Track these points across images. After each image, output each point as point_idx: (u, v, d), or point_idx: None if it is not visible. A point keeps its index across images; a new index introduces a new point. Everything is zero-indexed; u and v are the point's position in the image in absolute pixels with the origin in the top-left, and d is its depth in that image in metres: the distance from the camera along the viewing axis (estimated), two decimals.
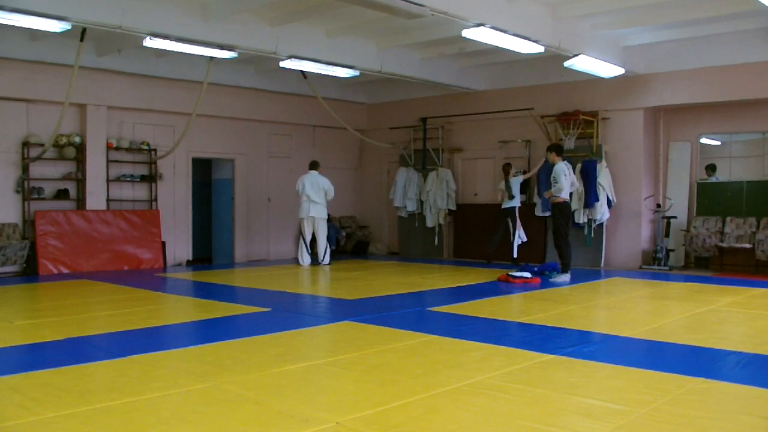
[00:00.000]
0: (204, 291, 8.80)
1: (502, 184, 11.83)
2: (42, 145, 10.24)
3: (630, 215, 11.58)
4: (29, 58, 10.17)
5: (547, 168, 11.34)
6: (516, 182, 11.78)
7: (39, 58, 10.20)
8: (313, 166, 11.78)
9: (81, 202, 11.12)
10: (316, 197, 11.42)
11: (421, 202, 13.56)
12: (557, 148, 9.59)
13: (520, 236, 11.79)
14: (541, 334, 5.68)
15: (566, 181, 9.31)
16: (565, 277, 9.34)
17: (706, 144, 11.72)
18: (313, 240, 11.75)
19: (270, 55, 9.94)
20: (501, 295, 8.11)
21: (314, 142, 14.35)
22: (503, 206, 11.83)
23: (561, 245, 9.45)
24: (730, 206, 11.17)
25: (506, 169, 11.89)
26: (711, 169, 11.50)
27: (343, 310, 7.13)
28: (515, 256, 11.80)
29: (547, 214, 9.45)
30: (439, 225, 13.41)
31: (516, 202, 11.78)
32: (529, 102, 12.30)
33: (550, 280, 9.36)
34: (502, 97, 12.88)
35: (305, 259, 11.66)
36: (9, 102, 10.37)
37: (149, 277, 10.10)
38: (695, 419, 3.43)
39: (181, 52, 9.69)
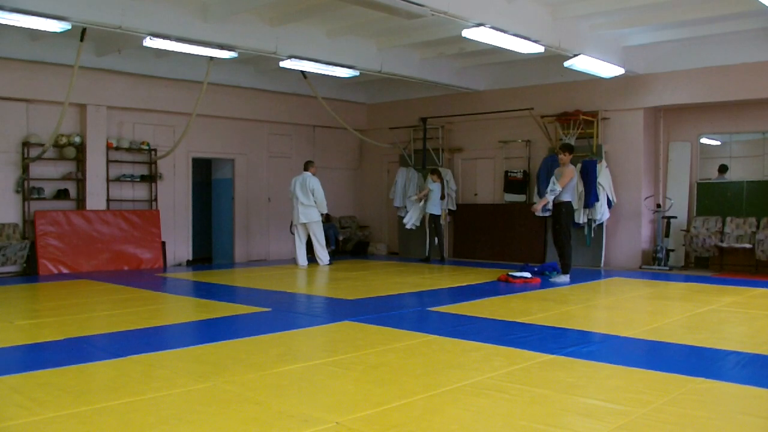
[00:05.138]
0: (204, 291, 8.80)
1: (437, 187, 12.74)
2: (42, 145, 10.24)
3: (630, 215, 11.58)
4: (29, 58, 10.17)
5: (548, 166, 11.36)
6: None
7: (39, 58, 10.21)
8: (305, 166, 11.68)
9: (81, 202, 11.12)
10: (305, 199, 11.35)
11: (425, 200, 13.53)
12: (570, 148, 9.45)
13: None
14: (541, 334, 5.68)
15: (571, 185, 9.27)
16: (565, 278, 9.32)
17: (706, 144, 11.72)
18: (310, 242, 11.72)
19: (270, 55, 9.94)
20: (501, 295, 8.11)
21: (314, 142, 14.35)
22: (433, 211, 12.81)
23: (564, 245, 9.38)
24: (730, 206, 11.16)
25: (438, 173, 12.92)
26: (722, 170, 11.47)
27: (343, 310, 7.13)
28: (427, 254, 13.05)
29: (547, 213, 9.39)
30: (440, 225, 13.41)
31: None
32: (529, 102, 12.30)
33: (550, 280, 9.36)
34: (502, 97, 12.89)
35: (302, 259, 11.64)
36: (9, 102, 10.37)
37: (149, 277, 10.10)
38: (695, 419, 3.43)
39: (181, 52, 9.69)
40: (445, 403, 3.71)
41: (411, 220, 13.31)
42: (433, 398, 3.80)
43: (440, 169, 13.31)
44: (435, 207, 12.78)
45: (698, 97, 10.95)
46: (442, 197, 12.91)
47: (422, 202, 12.94)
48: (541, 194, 11.53)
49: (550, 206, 9.30)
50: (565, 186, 9.18)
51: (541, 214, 9.38)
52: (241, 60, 11.14)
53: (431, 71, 11.96)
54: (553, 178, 9.32)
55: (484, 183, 13.43)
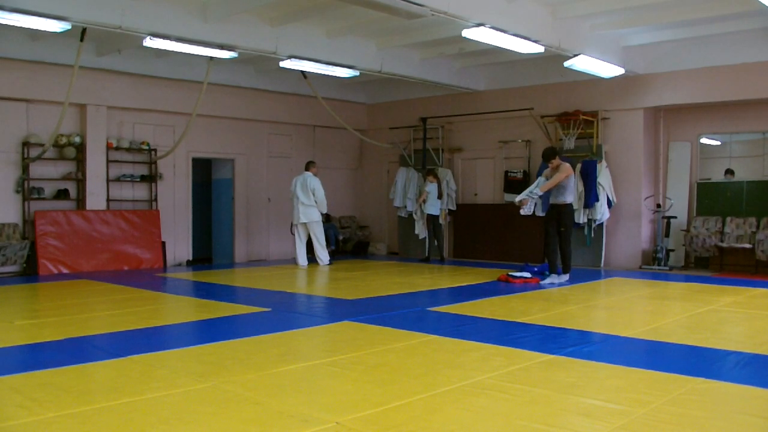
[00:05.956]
0: (204, 291, 8.79)
1: (434, 188, 12.75)
2: (42, 145, 10.24)
3: (630, 215, 11.58)
4: (29, 58, 10.17)
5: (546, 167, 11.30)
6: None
7: (39, 58, 10.20)
8: (306, 166, 11.69)
9: (81, 202, 11.12)
10: (305, 198, 11.35)
11: (424, 202, 13.54)
12: (554, 151, 9.24)
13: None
14: (541, 334, 5.68)
15: (571, 186, 9.18)
16: (565, 277, 9.26)
17: (706, 144, 11.72)
18: (310, 242, 11.72)
19: (270, 55, 9.94)
20: (501, 295, 8.11)
21: (314, 142, 14.35)
22: (431, 212, 12.86)
23: (566, 246, 9.22)
24: (730, 206, 11.16)
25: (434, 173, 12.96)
26: (729, 173, 11.45)
27: (343, 310, 7.13)
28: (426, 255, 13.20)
29: (541, 214, 9.29)
30: (440, 225, 13.41)
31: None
32: (529, 102, 12.30)
33: (544, 281, 9.21)
34: (502, 97, 12.89)
35: (302, 259, 11.65)
36: (9, 102, 10.37)
37: (149, 277, 10.10)
38: (695, 419, 3.43)
39: (181, 52, 9.69)
40: (445, 403, 3.71)
41: (423, 230, 13.34)
42: (433, 398, 3.80)
43: (440, 168, 13.33)
44: (432, 207, 12.79)
45: (698, 97, 10.95)
46: (440, 196, 12.91)
47: (423, 205, 12.94)
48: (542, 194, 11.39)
49: (528, 210, 9.19)
50: (567, 187, 9.10)
51: (526, 213, 9.28)
52: (241, 60, 11.14)
53: (431, 71, 11.96)
54: (539, 179, 9.24)
55: (484, 183, 13.43)
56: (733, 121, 11.23)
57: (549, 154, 9.21)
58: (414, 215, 13.49)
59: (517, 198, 9.25)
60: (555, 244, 9.32)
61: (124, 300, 7.83)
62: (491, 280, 9.60)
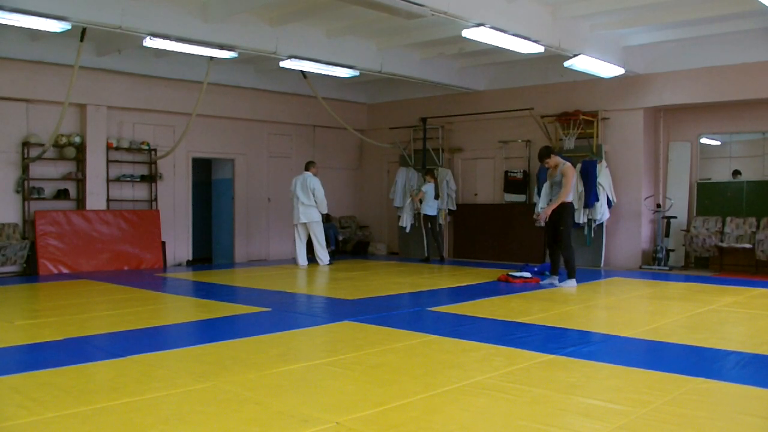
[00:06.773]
0: (204, 291, 8.79)
1: (430, 188, 12.72)
2: (42, 145, 10.24)
3: (630, 215, 11.58)
4: (29, 58, 10.17)
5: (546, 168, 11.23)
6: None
7: (39, 58, 10.21)
8: (306, 166, 11.68)
9: (81, 202, 11.12)
10: (305, 198, 11.35)
11: (421, 202, 13.55)
12: (550, 150, 8.96)
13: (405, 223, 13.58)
14: (541, 334, 5.68)
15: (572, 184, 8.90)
16: (572, 283, 8.91)
17: (706, 144, 11.73)
18: (310, 242, 11.71)
19: (270, 55, 9.95)
20: (501, 295, 8.11)
21: (314, 142, 14.35)
22: (428, 212, 12.82)
23: (566, 249, 8.85)
24: (730, 206, 11.17)
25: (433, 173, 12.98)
26: (738, 173, 11.43)
27: (343, 310, 7.13)
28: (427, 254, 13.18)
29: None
30: (439, 225, 13.42)
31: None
32: (529, 102, 12.30)
33: (543, 282, 9.18)
34: (502, 97, 12.89)
35: (302, 259, 11.65)
36: (9, 102, 10.37)
37: (149, 277, 10.10)
38: (695, 419, 3.43)
39: (181, 52, 9.69)
40: (445, 403, 3.71)
41: (408, 222, 13.40)
42: (433, 398, 3.80)
43: (440, 168, 13.33)
44: (429, 208, 12.77)
45: (698, 97, 10.95)
46: (437, 197, 12.88)
47: (420, 204, 12.93)
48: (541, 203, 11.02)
49: (541, 223, 8.93)
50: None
51: (542, 225, 9.07)
52: (241, 60, 11.14)
53: (431, 71, 11.96)
54: (548, 186, 9.12)
55: (484, 183, 13.43)
56: (733, 121, 11.23)
57: (544, 154, 8.96)
58: (401, 209, 13.56)
59: (540, 214, 8.94)
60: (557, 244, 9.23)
61: (124, 300, 7.83)
62: (491, 280, 9.60)
